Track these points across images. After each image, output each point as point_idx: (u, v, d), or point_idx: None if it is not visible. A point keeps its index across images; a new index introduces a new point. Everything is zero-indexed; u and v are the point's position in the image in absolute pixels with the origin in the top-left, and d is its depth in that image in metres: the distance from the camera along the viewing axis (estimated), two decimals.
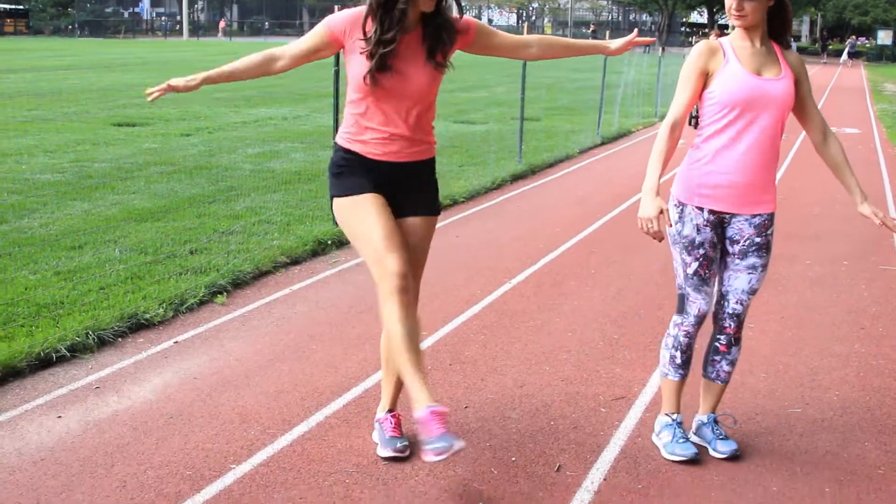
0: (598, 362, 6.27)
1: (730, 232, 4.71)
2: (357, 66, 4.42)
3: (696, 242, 4.66)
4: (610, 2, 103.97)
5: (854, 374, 6.20)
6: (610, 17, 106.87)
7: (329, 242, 9.03)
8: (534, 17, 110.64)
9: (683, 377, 4.93)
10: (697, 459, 4.83)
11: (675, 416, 4.96)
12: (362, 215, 4.46)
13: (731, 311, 4.82)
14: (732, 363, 4.93)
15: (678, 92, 4.67)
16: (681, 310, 4.82)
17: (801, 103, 4.71)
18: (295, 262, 8.56)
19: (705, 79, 4.63)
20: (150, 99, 4.51)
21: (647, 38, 5.03)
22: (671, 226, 4.64)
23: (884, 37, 78.63)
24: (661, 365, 4.96)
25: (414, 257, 4.65)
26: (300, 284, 7.96)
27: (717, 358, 4.91)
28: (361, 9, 4.41)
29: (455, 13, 4.52)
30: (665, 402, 4.99)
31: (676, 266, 4.80)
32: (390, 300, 4.33)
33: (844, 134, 20.52)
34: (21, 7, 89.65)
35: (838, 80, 44.18)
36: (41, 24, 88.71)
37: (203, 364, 6.11)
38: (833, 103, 29.52)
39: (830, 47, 77.25)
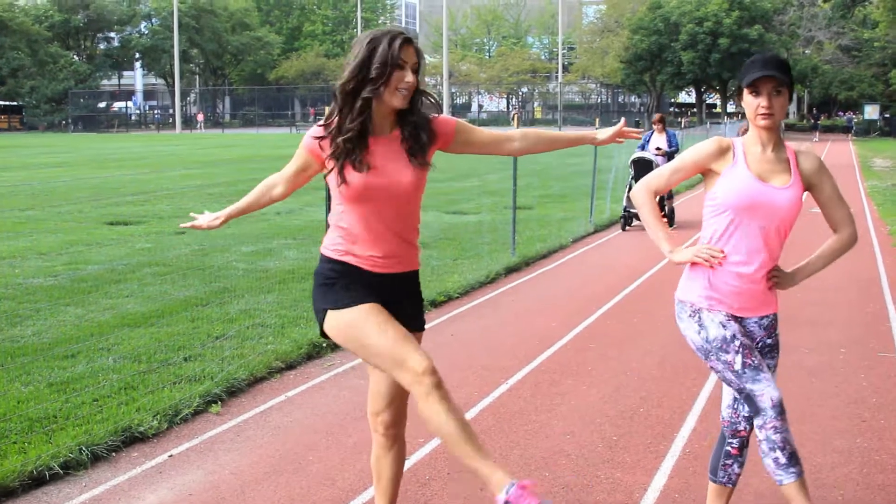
0: (598, 467, 6.19)
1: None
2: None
3: (728, 337, 4.53)
4: (599, 84, 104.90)
5: (857, 470, 6.13)
6: (599, 100, 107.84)
7: (324, 345, 8.96)
8: (523, 102, 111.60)
9: (799, 475, 4.41)
10: None
11: None
12: (368, 326, 4.32)
13: (746, 414, 4.74)
14: (742, 465, 4.85)
15: (671, 167, 4.73)
16: (755, 410, 4.50)
17: (824, 206, 4.70)
18: (290, 366, 8.49)
19: (703, 173, 4.63)
20: (182, 225, 4.89)
21: (635, 131, 4.93)
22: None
23: (871, 111, 79.59)
24: (771, 475, 4.48)
25: None
26: (295, 390, 7.89)
27: (729, 462, 4.82)
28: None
29: (432, 112, 4.48)
30: None
31: (722, 373, 4.57)
32: (429, 400, 4.16)
33: None
34: (15, 103, 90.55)
35: (828, 157, 44.46)
36: (35, 120, 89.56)
37: (198, 479, 6.02)
38: None
39: (821, 123, 78.33)
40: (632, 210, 18.17)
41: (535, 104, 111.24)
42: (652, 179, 4.76)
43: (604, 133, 4.88)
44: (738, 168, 4.52)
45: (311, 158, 4.50)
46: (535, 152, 4.86)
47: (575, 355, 8.96)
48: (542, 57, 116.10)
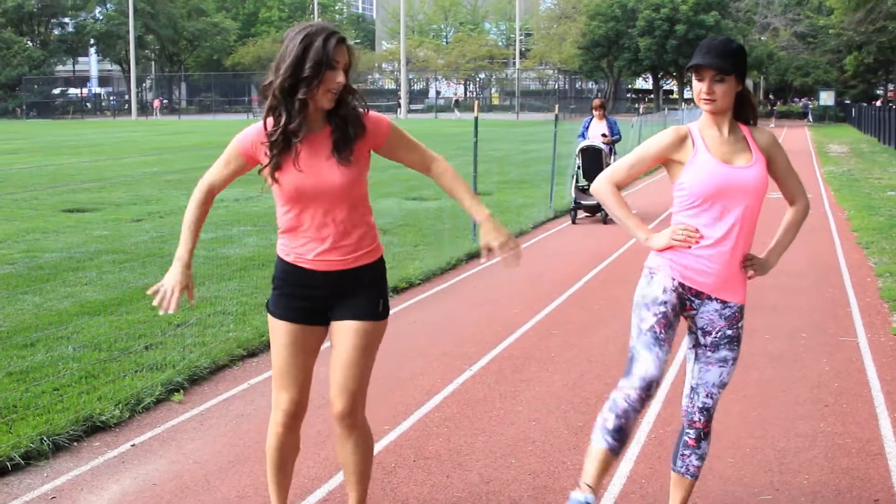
0: (563, 453, 6.19)
1: (701, 322, 4.64)
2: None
3: (659, 300, 4.54)
4: (556, 71, 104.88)
5: (822, 455, 6.16)
6: (557, 86, 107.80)
7: None
8: (481, 88, 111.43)
9: (611, 448, 4.41)
10: None
11: (587, 495, 4.38)
12: (274, 342, 4.59)
13: (701, 405, 4.71)
14: (702, 458, 4.80)
15: (630, 160, 4.71)
16: (627, 371, 4.53)
17: (779, 180, 4.73)
18: (252, 354, 8.42)
19: (664, 163, 4.62)
20: (162, 312, 4.41)
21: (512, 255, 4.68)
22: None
23: (826, 97, 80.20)
24: (594, 429, 4.52)
25: (351, 363, 4.50)
26: (258, 378, 7.82)
27: (687, 452, 4.79)
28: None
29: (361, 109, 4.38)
30: (585, 471, 4.46)
31: (633, 327, 4.60)
32: (273, 430, 4.67)
33: None
34: None
35: (785, 143, 44.68)
36: None
37: (161, 468, 5.97)
38: None
39: (777, 109, 79.08)
40: (581, 202, 17.76)
41: (493, 90, 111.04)
42: (613, 173, 4.73)
43: (482, 223, 4.66)
44: (700, 155, 4.50)
45: (244, 160, 4.40)
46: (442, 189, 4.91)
47: (538, 342, 8.96)
48: (500, 43, 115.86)
